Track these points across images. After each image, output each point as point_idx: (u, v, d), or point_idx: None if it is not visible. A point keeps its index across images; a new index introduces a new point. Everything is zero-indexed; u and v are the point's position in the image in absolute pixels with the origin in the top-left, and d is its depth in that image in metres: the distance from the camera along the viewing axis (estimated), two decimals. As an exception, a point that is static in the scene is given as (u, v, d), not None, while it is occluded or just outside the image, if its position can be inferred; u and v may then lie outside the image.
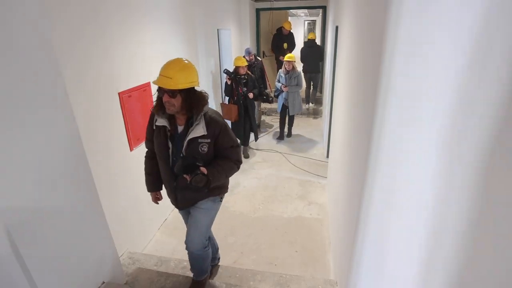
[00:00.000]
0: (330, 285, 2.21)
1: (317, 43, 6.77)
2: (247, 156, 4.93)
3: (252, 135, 5.03)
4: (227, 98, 4.65)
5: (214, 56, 4.74)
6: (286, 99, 5.23)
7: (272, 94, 5.61)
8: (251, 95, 4.54)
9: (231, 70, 4.52)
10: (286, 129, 5.76)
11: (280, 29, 7.09)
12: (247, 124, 4.75)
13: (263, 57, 7.65)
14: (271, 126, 6.45)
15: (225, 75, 4.50)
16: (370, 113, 1.27)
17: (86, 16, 1.99)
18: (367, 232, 1.24)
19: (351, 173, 1.79)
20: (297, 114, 5.67)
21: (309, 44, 6.51)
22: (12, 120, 1.27)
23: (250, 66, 5.08)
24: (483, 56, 0.49)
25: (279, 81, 5.17)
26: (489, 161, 0.46)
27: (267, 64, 7.74)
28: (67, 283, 1.64)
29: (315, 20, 16.23)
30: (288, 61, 4.98)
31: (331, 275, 2.49)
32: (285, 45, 7.06)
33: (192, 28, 3.78)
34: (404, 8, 0.88)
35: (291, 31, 7.23)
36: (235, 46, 5.94)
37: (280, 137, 5.63)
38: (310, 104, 7.30)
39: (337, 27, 3.53)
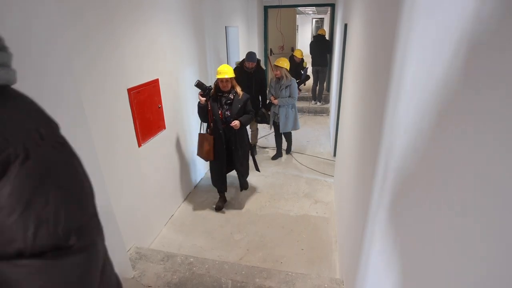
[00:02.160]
0: (336, 284, 2.20)
1: (326, 38, 6.93)
2: (246, 187, 3.76)
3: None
4: (205, 124, 3.26)
5: (222, 53, 4.74)
6: (276, 114, 4.26)
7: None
8: (235, 123, 2.99)
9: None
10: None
11: (292, 57, 6.56)
12: (231, 165, 3.29)
13: (271, 55, 7.63)
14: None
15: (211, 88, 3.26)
16: (380, 112, 1.26)
17: (98, 14, 2.01)
18: (376, 230, 1.23)
19: (360, 171, 1.78)
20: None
21: (318, 39, 6.79)
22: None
23: (249, 75, 4.16)
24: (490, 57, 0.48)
25: (269, 91, 4.32)
26: (498, 163, 0.45)
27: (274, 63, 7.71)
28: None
29: (323, 18, 16.17)
30: (276, 66, 4.03)
31: (337, 274, 2.48)
32: (305, 63, 6.58)
33: (200, 26, 3.79)
34: (417, 6, 0.87)
35: (303, 58, 6.74)
36: (243, 44, 5.93)
37: (276, 156, 4.69)
38: (317, 103, 7.25)
39: (346, 25, 3.50)
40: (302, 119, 6.68)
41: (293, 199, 3.62)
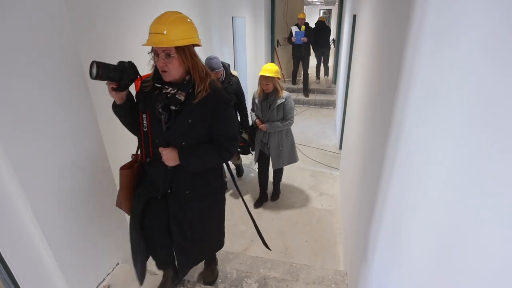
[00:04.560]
0: (340, 276, 2.22)
1: (326, 24, 7.64)
2: None
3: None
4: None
5: (228, 45, 4.70)
6: (264, 144, 3.00)
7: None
8: (169, 155, 1.36)
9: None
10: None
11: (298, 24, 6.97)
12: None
13: (277, 46, 7.55)
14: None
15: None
16: (390, 104, 1.24)
17: (104, 3, 2.00)
18: (382, 224, 1.23)
19: (367, 164, 1.77)
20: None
21: (320, 24, 7.41)
22: (36, 112, 1.30)
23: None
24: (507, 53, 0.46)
25: (253, 111, 3.04)
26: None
27: (282, 54, 7.64)
28: (86, 263, 1.70)
29: (331, 9, 15.93)
30: (265, 77, 2.71)
31: (341, 266, 2.49)
32: (303, 27, 6.60)
33: (207, 16, 3.75)
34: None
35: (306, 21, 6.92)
36: (249, 35, 5.86)
37: (260, 201, 3.38)
38: (320, 78, 7.92)
39: (354, 16, 3.45)
40: (308, 112, 6.64)
41: (298, 192, 3.63)
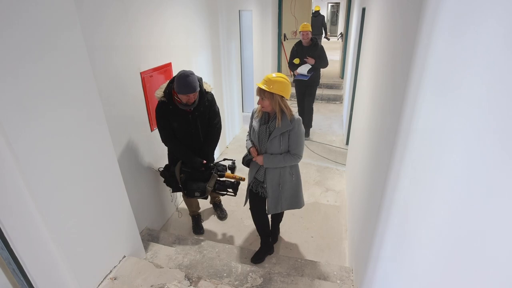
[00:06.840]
0: (346, 272, 2.21)
1: (321, 14, 9.27)
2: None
3: None
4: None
5: (235, 39, 4.66)
6: (260, 183, 2.22)
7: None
8: None
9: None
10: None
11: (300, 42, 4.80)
12: None
13: (284, 40, 7.48)
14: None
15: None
16: (401, 99, 1.22)
17: (109, 2, 1.99)
18: (389, 221, 1.21)
19: (375, 161, 1.74)
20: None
21: (315, 14, 8.80)
22: (44, 104, 1.30)
23: (187, 115, 2.26)
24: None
25: (250, 136, 2.21)
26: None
27: (289, 48, 7.56)
28: (93, 255, 1.71)
29: (339, 3, 15.68)
30: (259, 89, 1.94)
31: (346, 262, 2.48)
32: (296, 60, 4.61)
33: (214, 9, 3.72)
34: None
35: (314, 38, 4.69)
36: (256, 28, 5.81)
37: (261, 253, 2.43)
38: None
39: (364, 9, 3.38)
40: (314, 107, 6.56)
41: (304, 187, 3.57)
